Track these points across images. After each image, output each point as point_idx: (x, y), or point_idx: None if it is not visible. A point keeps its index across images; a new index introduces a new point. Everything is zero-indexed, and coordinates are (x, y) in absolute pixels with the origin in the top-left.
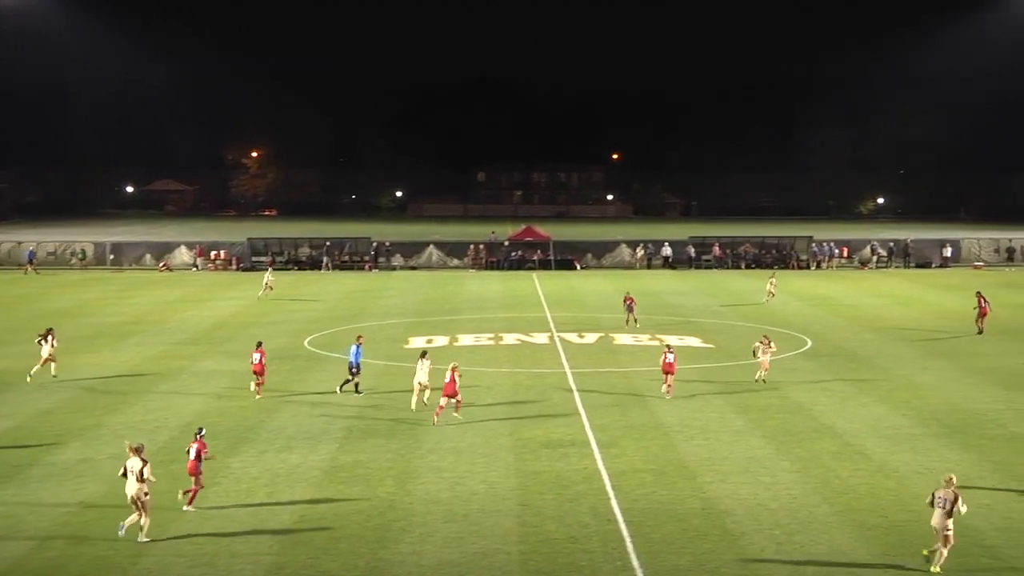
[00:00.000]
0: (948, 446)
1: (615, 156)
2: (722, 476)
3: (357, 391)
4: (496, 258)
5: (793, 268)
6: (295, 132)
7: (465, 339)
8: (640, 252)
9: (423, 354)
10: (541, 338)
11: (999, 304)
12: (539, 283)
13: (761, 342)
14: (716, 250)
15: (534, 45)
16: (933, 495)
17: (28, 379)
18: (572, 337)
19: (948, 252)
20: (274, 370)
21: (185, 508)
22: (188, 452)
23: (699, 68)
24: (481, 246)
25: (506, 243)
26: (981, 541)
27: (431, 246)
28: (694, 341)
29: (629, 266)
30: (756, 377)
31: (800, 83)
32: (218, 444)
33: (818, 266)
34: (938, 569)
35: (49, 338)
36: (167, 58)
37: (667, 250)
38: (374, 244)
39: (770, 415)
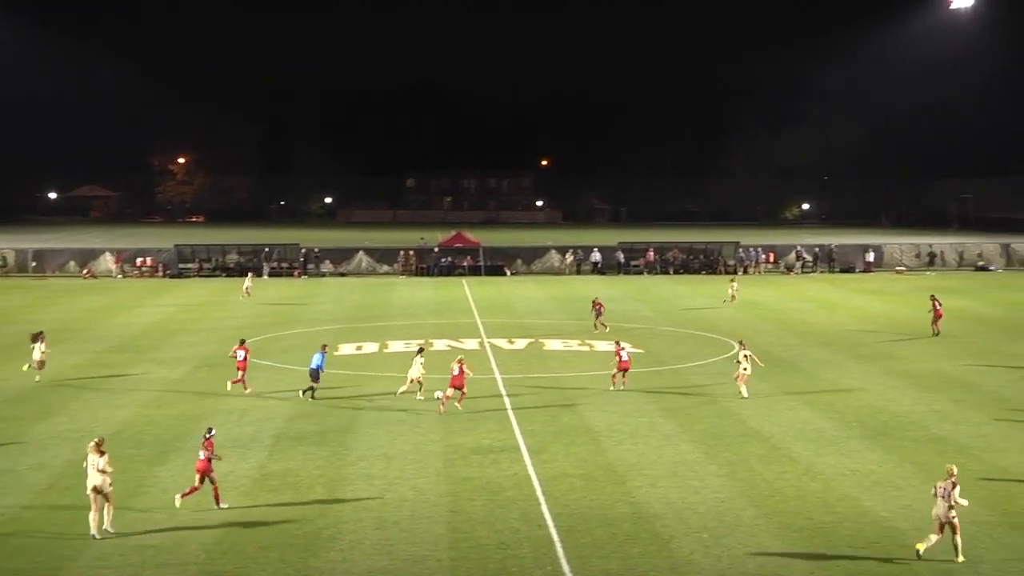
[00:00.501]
0: (872, 448)
1: (544, 162)
2: (651, 480)
3: (312, 396)
4: (426, 264)
5: (720, 273)
6: (223, 138)
7: (395, 345)
8: (570, 258)
9: (420, 350)
10: (471, 344)
11: (920, 308)
12: (469, 289)
13: (742, 357)
14: (651, 255)
15: (464, 51)
16: (935, 487)
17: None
18: (502, 343)
19: (871, 257)
20: (202, 378)
21: (219, 506)
22: (200, 453)
23: (628, 74)
24: (411, 252)
25: (436, 249)
26: (902, 541)
27: (361, 252)
28: (625, 346)
29: (559, 272)
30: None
31: (727, 90)
32: (144, 453)
33: (745, 271)
34: (962, 558)
35: (39, 342)
36: (93, 63)
37: (596, 256)
38: (303, 251)
39: (698, 419)
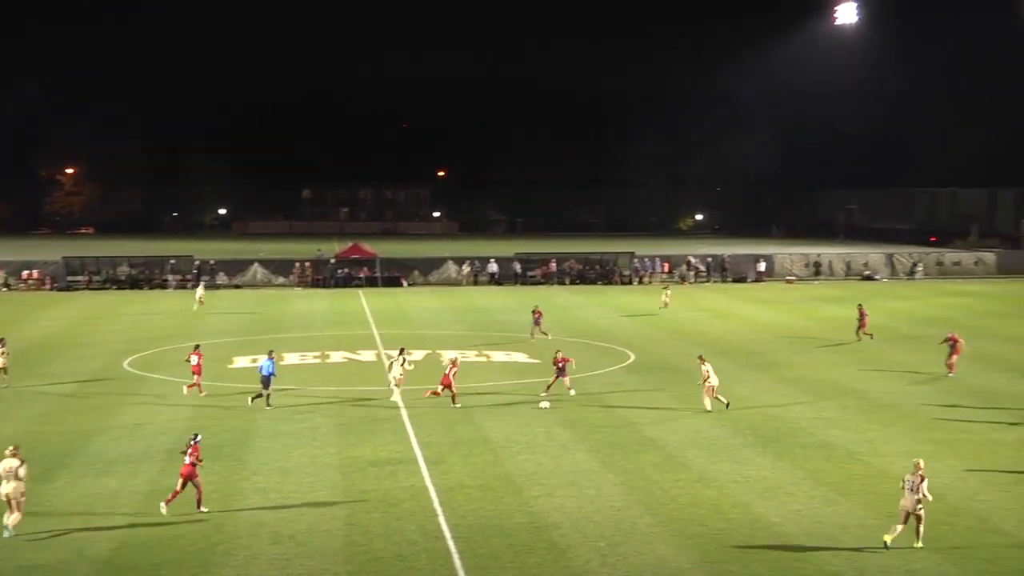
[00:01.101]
0: (763, 455)
1: (441, 173)
2: (548, 490)
3: (267, 403)
4: (322, 276)
5: (616, 283)
6: (113, 149)
7: (291, 357)
8: (466, 269)
9: (400, 350)
10: (368, 356)
11: (808, 317)
12: (366, 300)
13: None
14: (552, 265)
15: (360, 61)
16: (904, 479)
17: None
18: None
19: (762, 267)
20: (91, 392)
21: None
22: (184, 456)
23: (523, 84)
24: (307, 264)
25: (332, 260)
26: (792, 545)
27: (256, 264)
28: (520, 357)
29: (456, 283)
30: (713, 407)
31: (622, 101)
32: (33, 470)
33: (640, 281)
34: (920, 544)
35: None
36: None
37: (493, 267)
38: (196, 262)
39: (595, 429)
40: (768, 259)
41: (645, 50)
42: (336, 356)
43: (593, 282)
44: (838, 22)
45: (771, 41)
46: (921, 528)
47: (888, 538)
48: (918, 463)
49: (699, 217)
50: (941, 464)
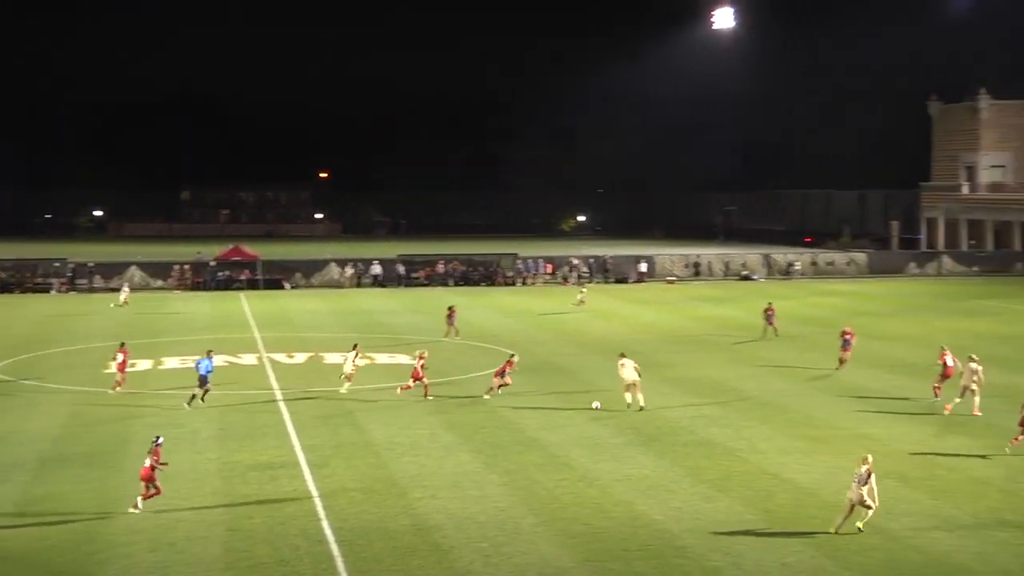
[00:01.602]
0: (645, 454)
1: (323, 174)
2: (432, 492)
3: (201, 400)
4: (202, 278)
5: (500, 285)
6: None
7: (170, 362)
8: (350, 271)
9: (354, 346)
10: (249, 359)
11: (688, 317)
12: (247, 303)
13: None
14: (440, 267)
15: (238, 61)
16: (855, 473)
17: None
18: (281, 357)
19: (643, 268)
20: None
21: (134, 509)
22: (146, 460)
23: (405, 86)
24: (186, 266)
25: (212, 263)
26: (673, 543)
27: (133, 267)
28: (404, 359)
29: (339, 285)
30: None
31: (505, 103)
32: None
33: (523, 282)
34: (860, 524)
35: None
36: None
37: (377, 268)
38: (71, 265)
39: (478, 430)
40: (649, 260)
41: (527, 52)
42: (217, 360)
43: (477, 283)
44: (715, 26)
45: (650, 44)
46: (871, 514)
47: (833, 529)
48: (866, 457)
49: (581, 218)
50: (814, 460)
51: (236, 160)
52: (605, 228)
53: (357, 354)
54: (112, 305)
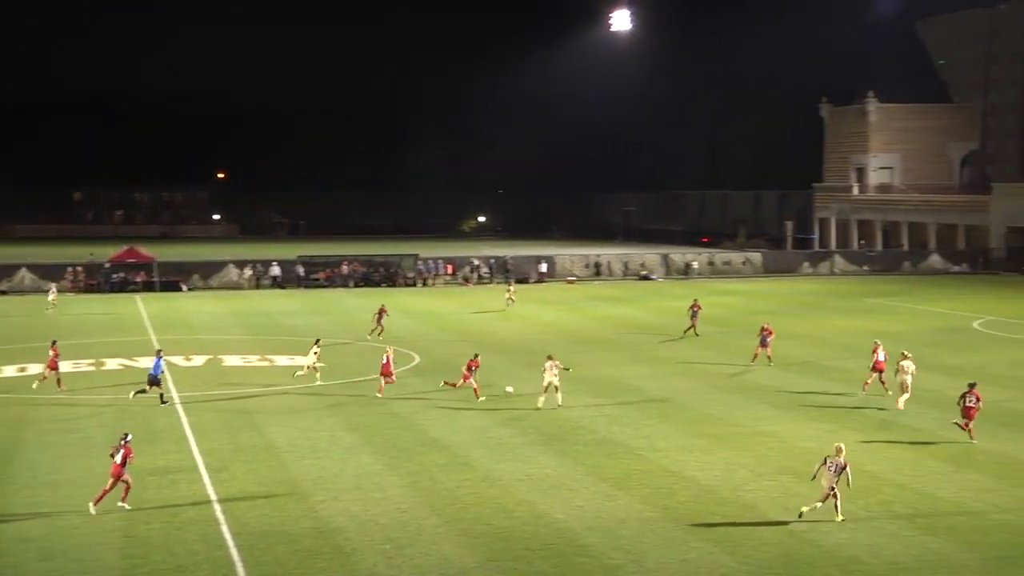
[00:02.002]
0: (546, 453)
1: (221, 175)
2: (334, 494)
3: (163, 400)
4: (96, 281)
5: (400, 286)
6: None
7: (63, 366)
8: (248, 272)
9: (316, 341)
10: (145, 362)
11: (588, 317)
12: (143, 305)
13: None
14: (345, 268)
15: (133, 60)
16: (826, 459)
17: None
18: (179, 360)
19: (544, 268)
20: None
21: (122, 503)
22: (113, 456)
23: (304, 85)
24: (79, 268)
25: (107, 265)
26: (575, 541)
27: (23, 269)
28: (304, 361)
29: (237, 286)
30: (541, 404)
31: (403, 102)
32: None
33: (424, 283)
34: (841, 517)
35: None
36: None
37: (276, 270)
38: None
39: (380, 431)
40: (549, 260)
41: (427, 52)
42: (112, 363)
43: (377, 284)
44: (613, 28)
45: (549, 45)
46: (838, 502)
47: (805, 509)
48: (840, 447)
49: (482, 219)
50: (713, 457)
51: (131, 160)
52: (505, 229)
53: (318, 349)
54: (47, 311)
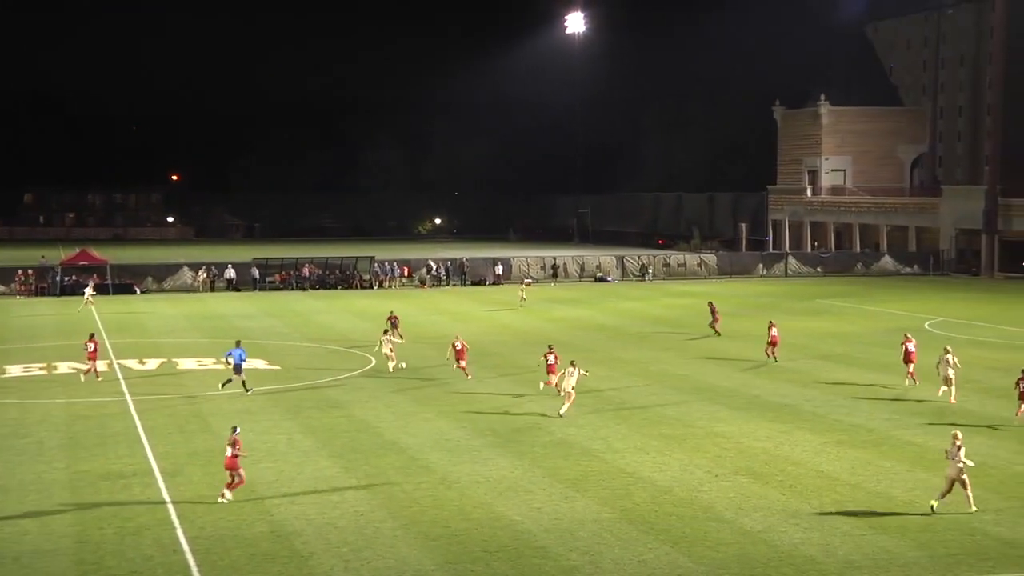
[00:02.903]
0: (504, 455)
1: (175, 177)
2: (291, 498)
3: (246, 389)
4: (47, 284)
5: (356, 288)
6: None
7: (13, 370)
8: (203, 275)
9: (385, 331)
10: (99, 365)
11: (544, 319)
12: (96, 309)
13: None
14: (306, 270)
15: (86, 61)
16: (947, 451)
17: None
18: (133, 364)
19: (500, 270)
20: None
21: (227, 498)
22: (228, 450)
23: (259, 86)
24: (30, 271)
25: (58, 267)
26: (532, 543)
27: None
28: (260, 363)
29: (192, 289)
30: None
31: (358, 105)
32: None
33: (380, 285)
34: (974, 508)
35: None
36: None
37: (231, 272)
38: None
39: (337, 435)
40: (505, 262)
41: (383, 54)
42: (64, 367)
43: (333, 287)
44: (568, 31)
45: (504, 47)
46: (969, 493)
47: (935, 503)
48: (956, 434)
49: (437, 221)
50: (669, 458)
51: (83, 162)
52: (461, 230)
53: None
54: (81, 308)
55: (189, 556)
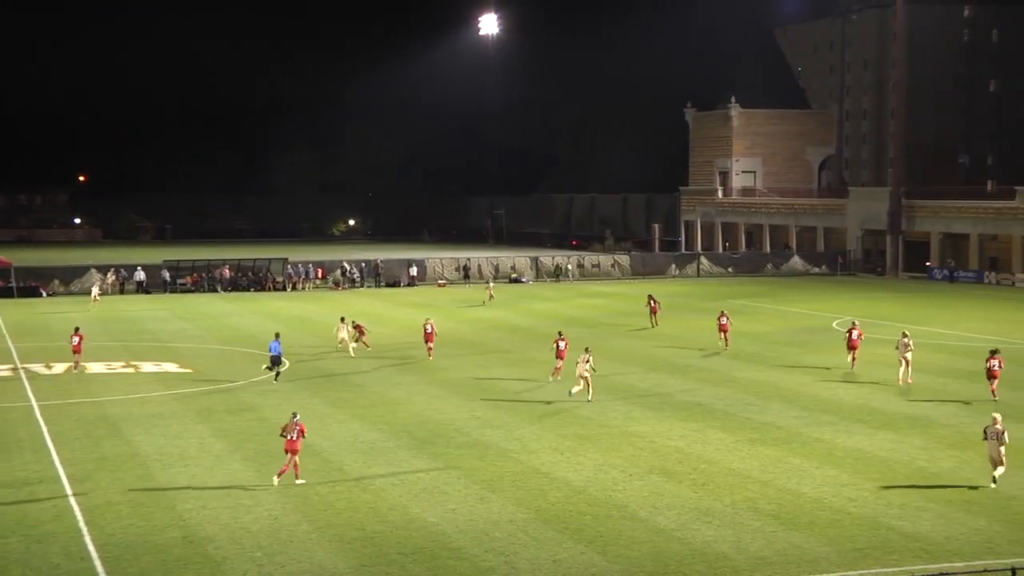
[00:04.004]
0: (419, 456)
1: (82, 178)
2: (203, 502)
3: (276, 378)
4: None
5: (270, 290)
6: None
7: None
8: (112, 277)
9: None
10: (3, 370)
11: (459, 320)
12: (2, 313)
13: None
14: (226, 272)
15: None
16: (985, 430)
17: None
18: (39, 368)
19: (414, 271)
20: None
21: (300, 480)
22: (285, 435)
23: (166, 88)
24: None
25: None
26: (448, 544)
27: None
28: (171, 367)
29: (101, 292)
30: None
31: (268, 107)
32: None
33: (294, 287)
34: (993, 485)
35: None
36: None
37: (141, 275)
38: None
39: (250, 438)
40: (420, 263)
41: (295, 54)
42: None
43: (246, 289)
44: (482, 32)
45: (416, 49)
46: (1000, 471)
47: (994, 477)
48: (996, 417)
49: (352, 223)
50: (584, 458)
51: None
52: (376, 232)
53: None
54: (91, 307)
55: (98, 563)
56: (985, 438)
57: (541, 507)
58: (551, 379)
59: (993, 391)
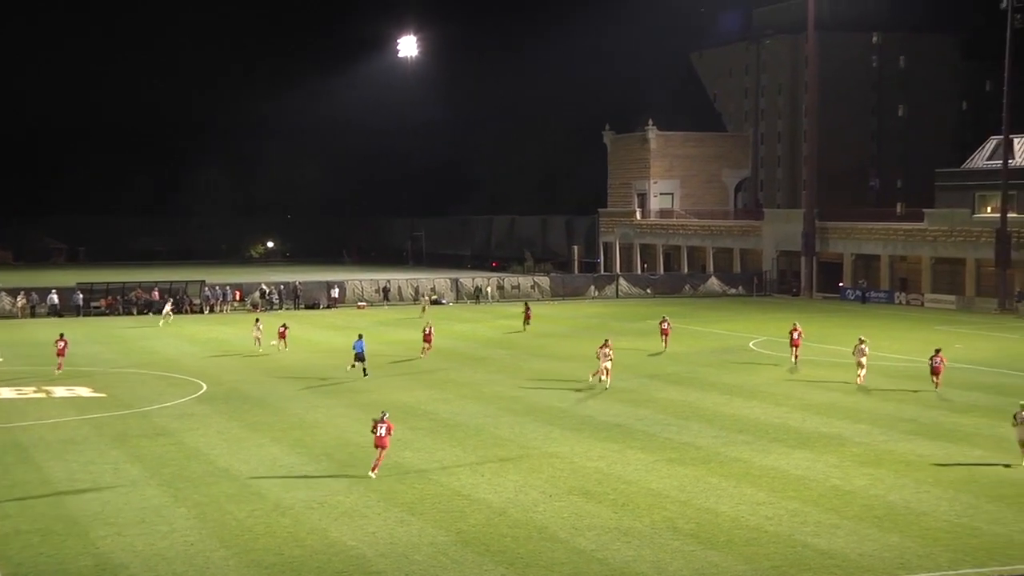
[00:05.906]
0: (338, 480)
1: None
2: (117, 529)
3: (365, 373)
4: None
5: (187, 313)
6: None
7: None
8: (22, 300)
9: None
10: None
11: (379, 341)
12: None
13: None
14: (155, 294)
15: None
16: (1015, 416)
17: None
18: None
19: (335, 293)
20: None
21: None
22: (375, 431)
23: (80, 107)
24: None
25: None
26: (368, 568)
27: None
28: (84, 391)
29: (10, 316)
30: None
31: (183, 128)
32: None
33: (211, 310)
34: None
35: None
36: None
37: (54, 298)
38: None
39: (166, 463)
40: (340, 285)
41: (208, 76)
42: None
43: (161, 311)
44: (400, 54)
45: (335, 70)
46: None
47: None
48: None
49: (270, 244)
50: (504, 479)
51: None
52: (295, 253)
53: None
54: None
55: None
56: (1015, 424)
57: (462, 529)
58: (591, 379)
59: (936, 384)
